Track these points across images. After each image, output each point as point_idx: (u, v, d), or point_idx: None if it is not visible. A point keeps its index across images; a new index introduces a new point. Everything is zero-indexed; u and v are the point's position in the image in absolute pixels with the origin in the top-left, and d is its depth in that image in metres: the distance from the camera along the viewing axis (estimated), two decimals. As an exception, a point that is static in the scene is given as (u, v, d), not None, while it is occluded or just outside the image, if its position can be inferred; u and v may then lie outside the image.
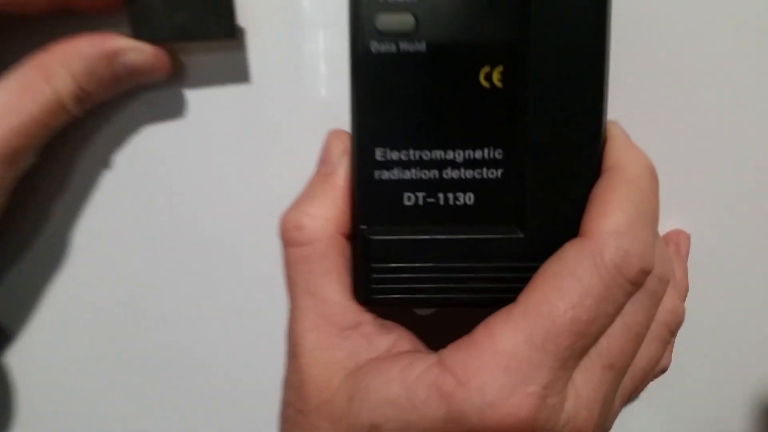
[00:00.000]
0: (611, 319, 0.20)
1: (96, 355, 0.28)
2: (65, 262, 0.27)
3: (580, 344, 0.19)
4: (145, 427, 0.29)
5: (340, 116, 0.23)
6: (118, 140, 0.26)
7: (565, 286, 0.20)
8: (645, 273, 0.20)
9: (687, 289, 0.26)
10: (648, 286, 0.21)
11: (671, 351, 0.26)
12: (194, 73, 0.25)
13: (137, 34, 0.23)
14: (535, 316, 0.19)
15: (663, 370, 0.25)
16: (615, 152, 0.22)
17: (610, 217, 0.20)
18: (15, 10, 0.21)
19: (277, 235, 0.23)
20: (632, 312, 0.21)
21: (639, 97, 0.26)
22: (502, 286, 0.22)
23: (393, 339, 0.22)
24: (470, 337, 0.20)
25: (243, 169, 0.26)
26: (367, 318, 0.22)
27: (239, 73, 0.25)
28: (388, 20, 0.21)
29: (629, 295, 0.20)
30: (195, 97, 0.26)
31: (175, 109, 0.26)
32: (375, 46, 0.21)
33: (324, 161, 0.24)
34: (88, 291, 0.27)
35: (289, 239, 0.22)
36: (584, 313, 0.19)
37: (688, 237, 0.27)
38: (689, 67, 0.26)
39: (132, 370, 0.28)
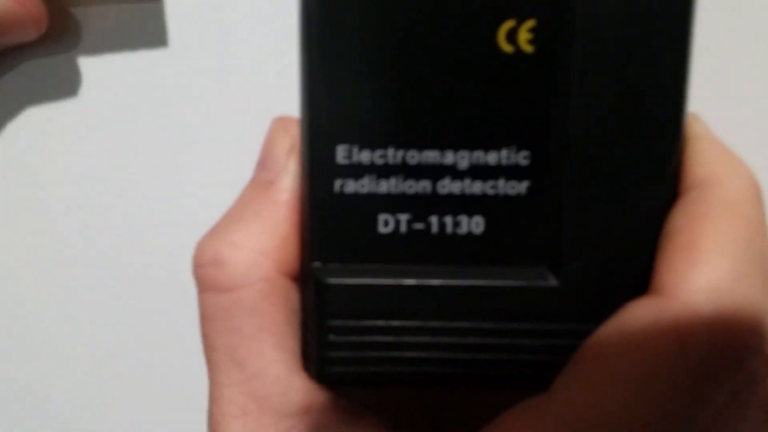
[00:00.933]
0: (698, 427, 0.13)
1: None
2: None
3: None
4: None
5: (283, 96, 0.16)
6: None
7: (620, 368, 0.13)
8: (756, 353, 0.13)
9: None
10: (752, 368, 0.14)
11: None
12: (92, 34, 0.19)
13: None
14: (583, 422, 0.12)
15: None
16: (703, 161, 0.14)
17: (705, 264, 0.13)
18: None
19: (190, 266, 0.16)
20: (727, 411, 0.14)
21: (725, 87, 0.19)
22: (523, 359, 0.15)
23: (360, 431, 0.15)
24: None
25: (154, 158, 0.21)
26: (318, 400, 0.15)
27: (152, 36, 0.18)
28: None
29: (729, 387, 0.13)
30: (92, 66, 0.19)
31: (66, 82, 0.19)
32: None
33: (262, 164, 0.16)
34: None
35: (206, 281, 0.15)
36: (659, 423, 0.12)
37: None
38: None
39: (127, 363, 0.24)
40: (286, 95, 0.17)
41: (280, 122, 0.17)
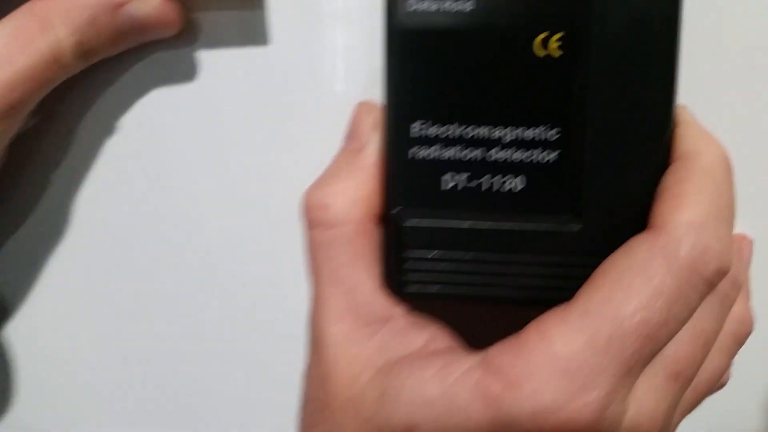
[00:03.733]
0: (681, 324, 0.18)
1: (96, 330, 0.26)
2: (65, 232, 0.24)
3: (648, 350, 0.17)
4: (143, 410, 0.27)
5: (367, 87, 0.21)
6: (123, 103, 0.23)
7: (633, 285, 0.17)
8: (722, 273, 0.18)
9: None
10: (721, 289, 0.19)
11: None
12: (206, 32, 0.23)
13: (146, -16, 0.20)
14: (597, 317, 0.17)
15: (723, 385, 0.23)
16: (687, 138, 0.19)
17: (686, 209, 0.18)
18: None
19: (297, 213, 0.20)
20: (702, 317, 0.18)
21: (708, 83, 0.23)
22: (554, 283, 0.19)
23: (428, 335, 0.20)
24: (520, 337, 0.18)
25: (256, 141, 0.24)
26: (398, 311, 0.20)
27: (256, 35, 0.23)
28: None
29: (702, 297, 0.18)
30: (207, 59, 0.23)
31: (185, 71, 0.23)
32: (412, 2, 0.19)
33: (352, 135, 0.21)
34: (88, 263, 0.25)
35: (313, 220, 0.20)
36: (654, 315, 0.17)
37: (750, 242, 0.24)
38: None
39: (134, 349, 0.26)
40: (369, 90, 0.22)
41: (363, 105, 0.21)
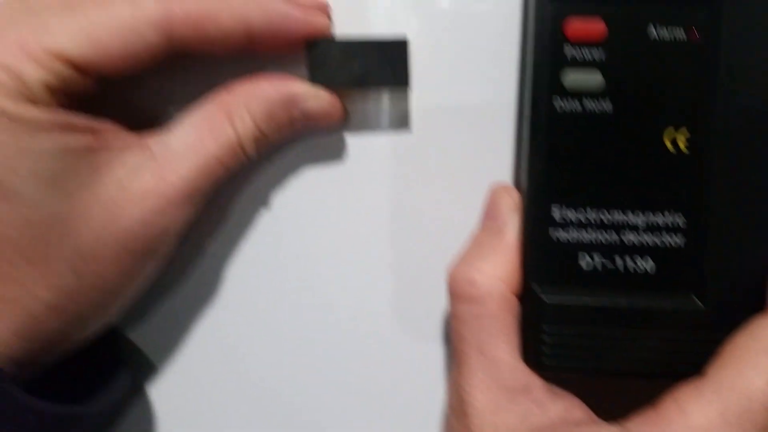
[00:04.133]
0: None
1: (238, 393, 0.27)
2: (216, 299, 0.27)
3: None
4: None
5: (501, 170, 0.23)
6: (278, 181, 0.26)
7: (760, 364, 0.19)
8: None
9: None
10: None
11: None
12: (356, 118, 0.25)
13: (314, 79, 0.23)
14: (730, 392, 0.19)
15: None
16: None
17: None
18: (203, 50, 0.21)
19: (445, 288, 0.23)
20: None
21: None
22: (681, 357, 0.21)
23: (565, 406, 0.21)
24: (657, 410, 0.20)
25: (400, 219, 0.26)
26: (536, 382, 0.21)
27: (399, 121, 0.25)
28: (576, 78, 0.21)
29: None
30: (355, 142, 0.26)
31: (335, 153, 0.26)
32: (558, 104, 0.21)
33: (491, 216, 0.23)
34: (236, 329, 0.27)
35: (461, 295, 0.22)
36: None
37: None
38: None
39: (272, 415, 0.28)
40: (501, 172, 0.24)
41: (501, 187, 0.23)
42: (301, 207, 0.26)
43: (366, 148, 0.26)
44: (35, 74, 0.19)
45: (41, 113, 0.19)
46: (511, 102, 0.24)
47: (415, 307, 0.26)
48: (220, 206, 0.26)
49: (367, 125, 0.25)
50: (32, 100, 0.19)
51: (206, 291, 0.27)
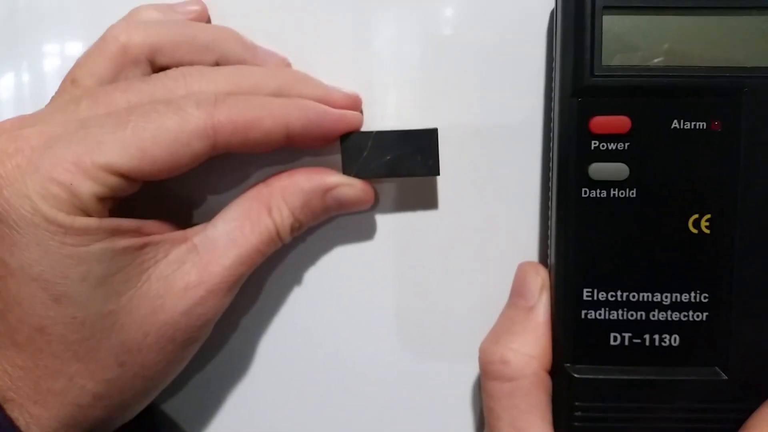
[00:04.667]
0: None
1: None
2: (249, 374, 0.28)
3: None
4: None
5: (526, 250, 0.24)
6: (310, 259, 0.27)
7: None
8: None
9: None
10: None
11: None
12: (385, 199, 0.27)
13: (347, 170, 0.24)
14: None
15: None
16: None
17: None
18: (245, 151, 0.22)
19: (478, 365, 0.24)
20: None
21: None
22: (706, 428, 0.22)
23: None
24: None
25: (433, 294, 0.27)
26: None
27: (428, 200, 0.26)
28: (601, 170, 0.22)
29: None
30: (384, 222, 0.27)
31: (365, 232, 0.27)
32: (586, 192, 0.22)
33: (521, 294, 0.24)
34: (270, 405, 0.28)
35: (493, 373, 0.23)
36: None
37: None
38: None
39: None
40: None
41: (530, 265, 0.25)
42: (333, 284, 0.27)
43: (394, 226, 0.27)
44: (88, 189, 0.20)
45: (91, 222, 0.20)
46: (537, 183, 0.26)
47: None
48: (255, 281, 0.27)
49: (396, 204, 0.26)
50: (84, 210, 0.20)
51: (239, 368, 0.28)
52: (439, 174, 0.24)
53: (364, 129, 0.25)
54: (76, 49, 0.27)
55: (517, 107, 0.25)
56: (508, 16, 0.25)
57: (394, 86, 0.26)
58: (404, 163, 0.24)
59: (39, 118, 0.22)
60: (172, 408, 0.28)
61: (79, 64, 0.23)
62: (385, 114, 0.26)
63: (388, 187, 0.26)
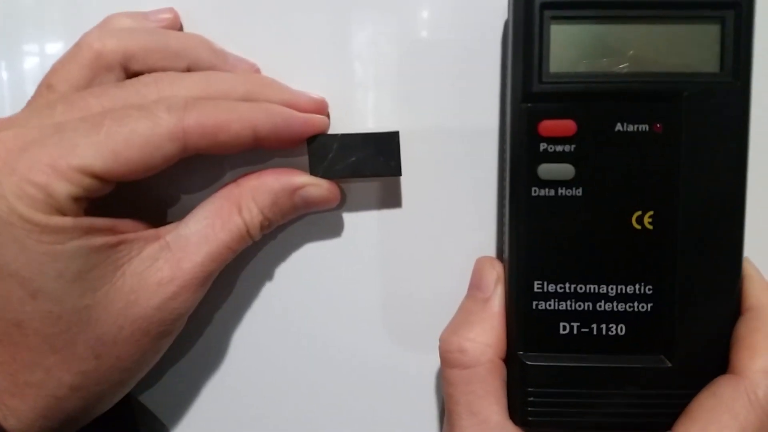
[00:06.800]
0: None
1: None
2: (223, 366, 0.29)
3: None
4: None
5: (483, 245, 0.26)
6: (281, 255, 0.28)
7: (723, 421, 0.22)
8: None
9: None
10: None
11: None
12: (351, 198, 0.28)
13: (314, 171, 0.25)
14: None
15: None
16: (754, 292, 0.24)
17: (759, 357, 0.22)
18: (214, 152, 0.24)
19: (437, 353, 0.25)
20: None
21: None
22: (651, 412, 0.24)
23: None
24: None
25: (397, 288, 0.28)
26: None
27: (392, 199, 0.28)
28: (549, 170, 0.23)
29: None
30: (350, 220, 0.28)
31: (332, 230, 0.28)
32: (535, 191, 0.24)
33: (477, 286, 0.26)
34: (243, 395, 0.29)
35: (452, 361, 0.24)
36: None
37: None
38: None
39: None
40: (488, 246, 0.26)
41: (486, 260, 0.26)
42: (304, 279, 0.28)
43: (360, 223, 0.28)
44: (63, 189, 0.21)
45: (67, 221, 0.21)
46: (493, 183, 0.27)
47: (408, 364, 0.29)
48: (226, 277, 0.28)
49: (361, 204, 0.28)
50: (59, 210, 0.21)
51: (211, 362, 0.29)
52: (401, 174, 0.25)
53: (330, 132, 0.26)
54: (55, 50, 0.28)
55: (475, 112, 0.27)
56: (468, 23, 0.27)
57: (360, 90, 0.27)
58: (368, 164, 0.25)
59: (15, 121, 0.23)
60: (150, 399, 0.29)
61: (55, 69, 0.24)
62: (350, 117, 0.27)
63: (354, 187, 0.28)
